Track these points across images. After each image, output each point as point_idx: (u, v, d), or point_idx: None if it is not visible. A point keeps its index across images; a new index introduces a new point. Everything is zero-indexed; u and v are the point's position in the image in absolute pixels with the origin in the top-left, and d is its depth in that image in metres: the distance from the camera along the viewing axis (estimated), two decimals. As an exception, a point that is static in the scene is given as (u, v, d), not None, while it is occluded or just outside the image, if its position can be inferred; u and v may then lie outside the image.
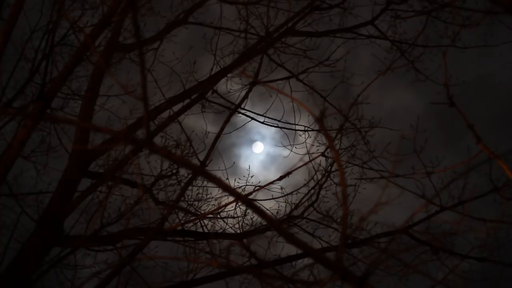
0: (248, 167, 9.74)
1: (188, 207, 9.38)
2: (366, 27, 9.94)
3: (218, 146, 9.05)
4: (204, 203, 9.53)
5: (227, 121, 9.38)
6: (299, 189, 9.49)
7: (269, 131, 10.78)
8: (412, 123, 7.81)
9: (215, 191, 9.51)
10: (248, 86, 9.78)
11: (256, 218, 9.28)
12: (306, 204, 9.42)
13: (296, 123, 9.96)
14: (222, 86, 9.77)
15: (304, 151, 9.91)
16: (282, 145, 10.07)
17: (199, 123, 9.72)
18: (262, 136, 10.85)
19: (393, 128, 9.53)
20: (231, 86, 9.80)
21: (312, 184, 9.46)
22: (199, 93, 9.39)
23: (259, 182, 9.49)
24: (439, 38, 9.72)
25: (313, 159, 9.26)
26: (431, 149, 7.71)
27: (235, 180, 9.68)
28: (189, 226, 9.14)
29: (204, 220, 9.22)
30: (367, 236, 8.92)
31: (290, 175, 8.29)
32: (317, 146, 9.64)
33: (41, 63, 8.75)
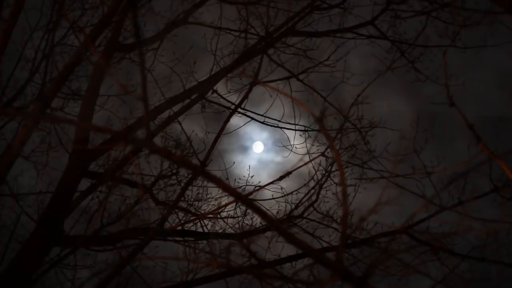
0: (248, 167, 9.75)
1: (188, 207, 9.38)
2: (366, 27, 9.94)
3: (218, 146, 9.06)
4: (204, 203, 9.53)
5: (227, 121, 9.38)
6: (299, 189, 9.50)
7: (261, 136, 10.78)
8: (403, 128, 7.85)
9: (215, 191, 9.51)
10: (248, 86, 9.77)
11: (256, 218, 9.28)
12: (306, 204, 9.43)
13: (296, 123, 9.96)
14: (222, 86, 9.78)
15: (302, 151, 9.91)
16: (281, 145, 10.07)
17: (199, 123, 9.73)
18: (253, 141, 10.83)
19: (393, 128, 9.55)
20: (231, 86, 9.81)
21: (312, 184, 9.46)
22: (199, 93, 9.39)
23: (259, 182, 9.49)
24: (439, 38, 9.72)
25: (313, 159, 9.27)
26: (424, 153, 7.74)
27: (234, 180, 9.68)
28: (189, 226, 9.15)
29: (204, 220, 9.22)
30: (367, 236, 8.93)
31: (290, 175, 8.31)
32: (317, 146, 9.64)
33: (41, 63, 8.75)
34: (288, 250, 8.82)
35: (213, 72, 9.52)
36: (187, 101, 9.28)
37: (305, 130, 10.01)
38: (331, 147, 8.73)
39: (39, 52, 8.69)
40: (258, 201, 9.39)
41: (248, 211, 9.15)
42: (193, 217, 9.14)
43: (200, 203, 9.50)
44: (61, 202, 7.90)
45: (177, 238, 8.99)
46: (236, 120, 9.84)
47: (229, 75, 9.60)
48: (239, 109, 9.71)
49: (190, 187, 9.19)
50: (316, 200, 9.41)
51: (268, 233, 8.89)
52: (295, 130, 10.00)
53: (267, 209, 9.30)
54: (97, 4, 9.32)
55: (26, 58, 8.96)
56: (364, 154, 9.65)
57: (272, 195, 9.41)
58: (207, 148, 8.99)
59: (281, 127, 10.03)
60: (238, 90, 9.79)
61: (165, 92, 9.20)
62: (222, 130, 9.21)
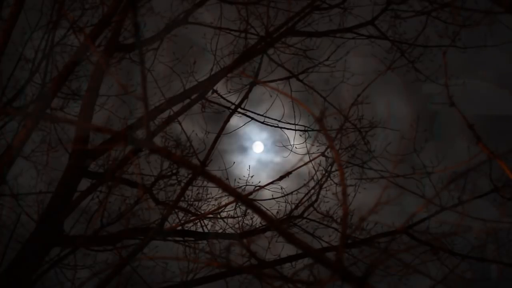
0: (248, 167, 9.75)
1: (188, 207, 9.38)
2: (366, 27, 9.94)
3: (218, 146, 9.07)
4: (204, 203, 9.53)
5: (227, 121, 9.38)
6: (299, 189, 9.50)
7: (261, 136, 10.78)
8: (403, 128, 7.85)
9: (215, 191, 9.51)
10: (248, 86, 9.78)
11: (256, 218, 9.28)
12: (306, 204, 9.43)
13: (296, 123, 9.96)
14: (222, 86, 9.78)
15: (302, 151, 9.92)
16: (281, 145, 10.07)
17: (199, 123, 9.73)
18: (253, 142, 10.82)
19: (393, 128, 9.56)
20: (231, 86, 9.81)
21: (312, 184, 9.47)
22: (199, 93, 9.39)
23: (259, 182, 9.48)
24: (439, 38, 9.73)
25: (313, 159, 9.27)
26: (424, 153, 7.74)
27: (234, 180, 9.68)
28: (189, 226, 9.15)
29: (204, 220, 9.22)
30: (367, 236, 8.93)
31: (290, 175, 8.30)
32: (317, 146, 9.64)
33: (41, 63, 8.75)
34: (288, 250, 8.82)
35: (213, 72, 9.53)
36: (187, 101, 9.28)
37: (305, 130, 10.02)
38: (331, 147, 8.73)
39: (39, 52, 8.70)
40: (258, 201, 9.39)
41: (248, 211, 9.15)
42: (193, 217, 9.14)
43: (200, 203, 9.50)
44: (61, 202, 7.90)
45: (177, 238, 8.99)
46: (236, 120, 9.85)
47: (229, 75, 9.60)
48: (239, 109, 9.72)
49: (190, 187, 9.19)
50: (316, 200, 9.41)
51: (268, 233, 8.90)
52: (295, 130, 10.00)
53: (267, 209, 9.30)
54: (97, 4, 9.32)
55: (26, 58, 8.96)
56: (364, 154, 9.66)
57: (272, 195, 9.42)
58: (207, 148, 8.99)
59: (281, 127, 10.04)
60: (238, 90, 9.80)
61: (165, 92, 9.20)
62: (222, 130, 9.21)
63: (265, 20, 9.64)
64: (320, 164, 9.54)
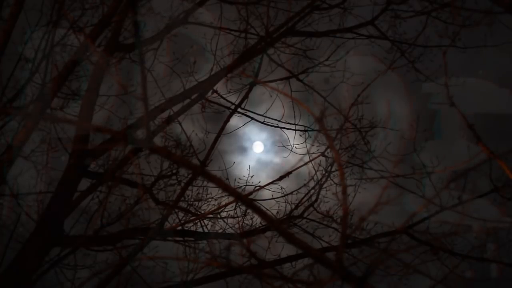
0: (248, 167, 9.75)
1: (188, 207, 9.38)
2: (366, 27, 9.94)
3: (218, 146, 9.07)
4: (204, 203, 9.53)
5: (227, 121, 9.38)
6: (299, 189, 9.50)
7: (261, 137, 10.77)
8: (403, 128, 7.85)
9: (215, 191, 9.52)
10: (248, 86, 9.78)
11: (256, 218, 9.28)
12: (306, 204, 9.43)
13: (296, 123, 9.96)
14: (222, 86, 9.78)
15: (302, 151, 9.91)
16: (281, 145, 10.07)
17: (199, 123, 9.73)
18: (252, 142, 10.82)
19: (393, 128, 9.56)
20: (231, 86, 9.81)
21: (312, 184, 9.47)
22: (199, 93, 9.39)
23: (259, 182, 9.48)
24: (439, 38, 9.73)
25: (313, 159, 9.27)
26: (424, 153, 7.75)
27: (234, 180, 9.68)
28: (189, 226, 9.15)
29: (204, 220, 9.22)
30: (367, 236, 8.94)
31: (290, 175, 8.31)
32: (317, 146, 9.64)
33: (41, 63, 8.75)
34: (288, 250, 8.83)
35: (213, 72, 9.53)
36: (187, 101, 9.28)
37: (305, 130, 10.01)
38: (331, 147, 8.74)
39: (39, 52, 8.69)
40: (258, 201, 9.39)
41: (248, 211, 9.15)
42: (193, 217, 9.15)
43: (200, 203, 9.50)
44: (61, 202, 7.91)
45: (177, 238, 8.99)
46: (236, 120, 9.85)
47: (229, 75, 9.60)
48: (239, 109, 9.71)
49: (190, 187, 9.19)
50: (316, 200, 9.41)
51: (268, 233, 8.90)
52: (295, 130, 10.00)
53: (267, 209, 9.30)
54: (97, 4, 9.31)
55: (26, 58, 8.96)
56: (364, 154, 9.67)
57: (272, 195, 9.42)
58: (207, 148, 8.99)
59: (281, 127, 10.03)
60: (238, 90, 9.79)
61: (165, 92, 9.21)
62: (222, 130, 9.22)
63: (265, 20, 9.64)
64: (320, 164, 9.54)
